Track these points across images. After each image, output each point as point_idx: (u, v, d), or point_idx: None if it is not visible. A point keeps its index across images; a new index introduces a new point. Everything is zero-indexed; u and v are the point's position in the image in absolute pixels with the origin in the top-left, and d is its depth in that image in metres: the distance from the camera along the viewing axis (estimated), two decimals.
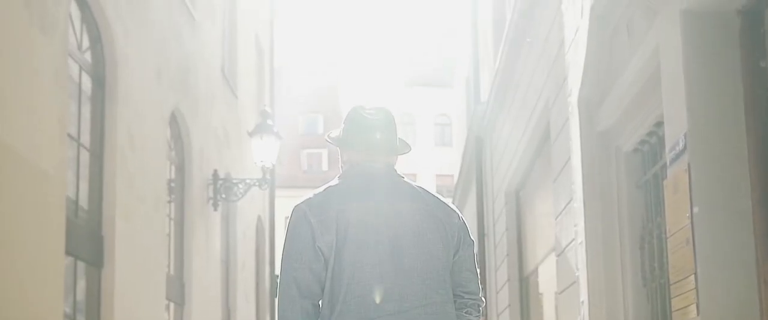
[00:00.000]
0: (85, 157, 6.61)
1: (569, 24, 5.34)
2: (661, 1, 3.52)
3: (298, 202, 2.39)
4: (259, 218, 12.99)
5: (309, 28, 57.75)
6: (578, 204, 4.80)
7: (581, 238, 4.71)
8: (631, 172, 4.45)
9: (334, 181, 2.44)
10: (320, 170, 36.49)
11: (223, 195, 9.75)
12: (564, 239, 5.73)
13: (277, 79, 16.48)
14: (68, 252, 5.81)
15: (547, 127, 6.79)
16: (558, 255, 6.01)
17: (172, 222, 8.61)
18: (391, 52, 39.84)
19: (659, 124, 4.01)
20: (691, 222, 3.09)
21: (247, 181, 9.94)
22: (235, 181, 10.07)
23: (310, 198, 2.36)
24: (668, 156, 3.36)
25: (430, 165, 35.91)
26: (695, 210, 3.08)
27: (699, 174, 3.12)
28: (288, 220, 2.34)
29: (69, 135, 6.17)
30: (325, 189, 2.38)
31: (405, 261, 2.25)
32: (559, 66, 5.99)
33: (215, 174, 9.79)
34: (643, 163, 4.36)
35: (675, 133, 3.31)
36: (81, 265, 6.39)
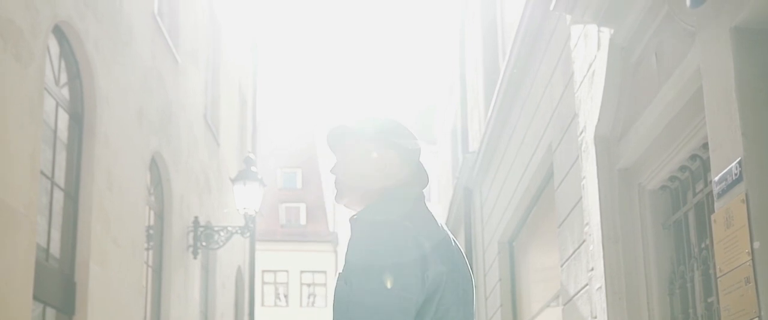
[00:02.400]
0: (58, 197, 6.18)
1: (581, 59, 5.07)
2: (703, 20, 3.24)
3: (387, 217, 1.89)
4: (239, 269, 12.52)
5: (290, 83, 57.85)
6: (595, 246, 4.45)
7: (599, 283, 4.34)
8: (657, 211, 4.12)
9: (396, 199, 1.99)
10: (298, 224, 35.99)
11: (204, 243, 9.32)
12: (572, 286, 5.38)
13: (258, 131, 16.21)
14: (37, 298, 5.35)
15: (549, 171, 6.51)
16: (565, 304, 5.65)
17: (150, 270, 8.14)
18: (371, 106, 39.81)
19: (694, 157, 3.70)
20: (753, 259, 2.74)
21: (229, 229, 9.53)
22: (216, 229, 9.65)
23: (401, 212, 1.91)
24: (716, 187, 3.04)
25: None
26: (756, 245, 2.74)
27: (759, 204, 2.79)
28: (375, 241, 1.85)
29: (42, 172, 5.76)
30: (408, 207, 1.94)
31: (469, 309, 1.94)
32: (566, 105, 5.72)
33: (196, 221, 9.37)
34: (672, 201, 4.04)
35: (724, 161, 2.99)
36: (50, 312, 5.91)
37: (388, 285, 1.79)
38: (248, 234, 10.18)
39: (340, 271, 1.92)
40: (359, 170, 2.03)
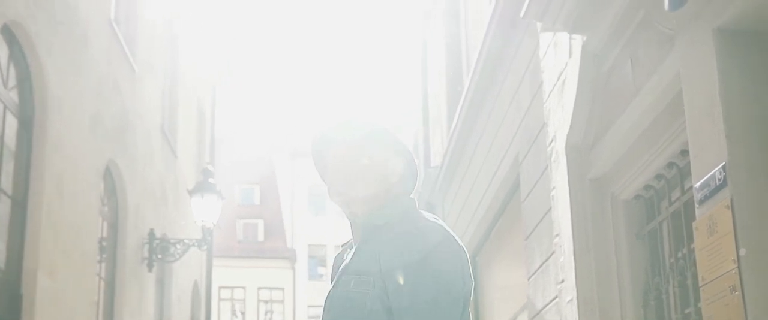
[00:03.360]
0: (5, 204, 5.90)
1: (550, 69, 4.98)
2: (683, 23, 3.15)
3: (437, 223, 1.84)
4: (195, 283, 12.21)
5: (249, 100, 57.46)
6: (566, 258, 4.33)
7: (571, 296, 4.22)
8: (630, 221, 4.02)
9: (408, 203, 1.92)
10: (256, 240, 35.55)
11: (159, 256, 9.03)
12: (540, 300, 5.26)
13: (217, 146, 15.96)
14: None
15: (515, 183, 6.40)
16: (532, 318, 5.53)
17: (102, 283, 7.85)
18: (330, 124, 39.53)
19: (671, 165, 3.60)
20: (739, 267, 2.64)
21: (186, 242, 9.26)
22: (172, 241, 9.37)
23: (439, 222, 1.85)
24: (698, 194, 2.94)
25: (342, 237, 35.38)
26: (742, 252, 2.64)
27: (744, 210, 2.69)
28: (426, 250, 1.76)
29: None
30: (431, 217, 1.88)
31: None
32: (535, 115, 5.63)
33: (151, 233, 9.08)
34: (647, 211, 3.94)
35: (707, 166, 2.89)
36: None
37: (454, 284, 1.77)
38: (206, 247, 9.91)
39: (364, 276, 1.79)
40: (380, 173, 1.91)
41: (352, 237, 1.97)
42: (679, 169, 3.55)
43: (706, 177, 2.87)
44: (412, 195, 1.97)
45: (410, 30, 14.03)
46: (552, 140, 4.83)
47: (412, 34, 13.82)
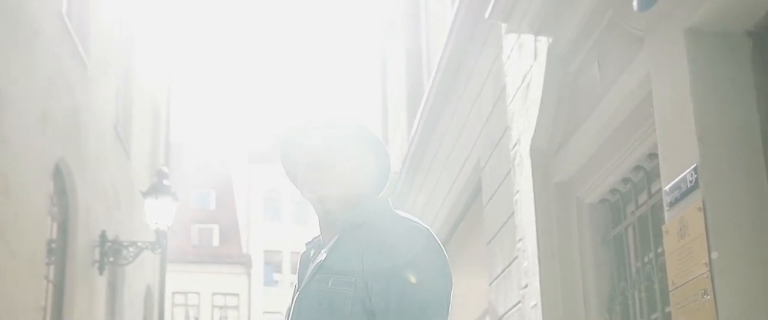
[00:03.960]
0: None
1: (514, 71, 4.93)
2: (653, 23, 3.10)
3: (420, 224, 1.76)
4: (148, 288, 11.93)
5: (205, 104, 56.85)
6: (530, 263, 4.26)
7: (535, 301, 4.15)
8: (596, 226, 3.97)
9: (385, 203, 1.85)
10: (211, 245, 35.09)
11: (111, 259, 8.79)
12: (502, 305, 5.19)
13: (172, 149, 15.69)
14: None
15: (476, 187, 6.34)
16: None
17: (51, 285, 7.58)
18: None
19: (638, 168, 3.55)
20: (710, 270, 2.58)
21: (139, 244, 9.02)
22: (125, 244, 9.12)
23: (423, 223, 1.78)
24: (668, 197, 2.88)
25: (296, 243, 35.22)
26: (714, 255, 2.58)
27: (716, 212, 2.64)
28: (419, 250, 1.68)
29: None
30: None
31: None
32: (497, 119, 5.58)
33: (103, 235, 8.83)
34: (613, 215, 3.89)
35: (677, 168, 2.84)
36: None
37: (441, 287, 1.71)
38: (160, 250, 9.67)
39: (343, 276, 1.70)
40: (356, 170, 1.82)
41: (321, 234, 1.86)
42: (646, 173, 3.50)
43: (677, 179, 2.82)
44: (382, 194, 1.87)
45: (370, 35, 13.96)
46: (516, 144, 4.77)
47: (371, 40, 13.75)
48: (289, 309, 1.84)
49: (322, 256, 1.79)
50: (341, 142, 1.82)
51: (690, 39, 2.85)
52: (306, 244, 1.92)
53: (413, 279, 1.65)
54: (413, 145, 8.69)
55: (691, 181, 2.72)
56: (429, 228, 1.76)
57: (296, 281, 1.87)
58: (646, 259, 3.50)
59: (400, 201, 10.08)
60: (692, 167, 2.73)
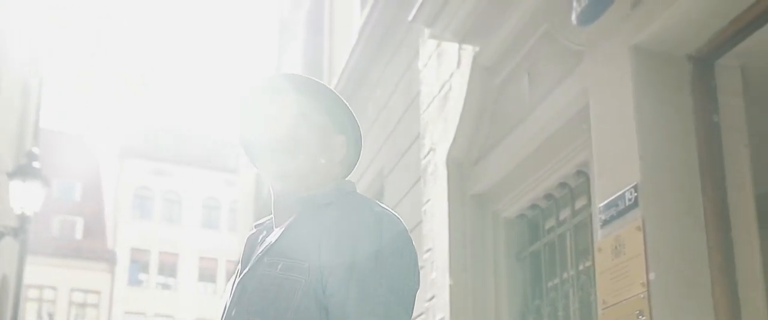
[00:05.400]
0: None
1: (431, 79, 4.84)
2: (595, 39, 3.06)
3: (390, 211, 1.52)
4: (3, 278, 11.10)
5: (77, 94, 54.42)
6: (439, 274, 4.16)
7: (442, 314, 4.05)
8: (511, 241, 3.91)
9: (351, 186, 1.62)
10: (73, 239, 33.42)
11: None
12: None
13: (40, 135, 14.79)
14: None
15: (377, 196, 6.22)
16: None
17: None
18: (160, 128, 38.10)
19: (563, 185, 3.51)
20: (648, 291, 2.53)
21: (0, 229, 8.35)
22: None
23: (393, 211, 1.53)
24: (602, 214, 2.83)
25: (195, 246, 34.23)
26: (652, 276, 2.54)
27: (655, 233, 2.60)
28: (388, 237, 1.45)
29: None
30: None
31: None
32: (407, 127, 5.48)
33: None
34: (530, 231, 3.84)
35: (614, 186, 2.79)
36: None
37: (398, 312, 1.46)
38: (24, 236, 9.00)
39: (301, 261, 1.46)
40: (323, 146, 1.59)
41: (274, 216, 1.62)
42: (570, 190, 3.47)
43: (614, 197, 2.77)
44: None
45: (264, 36, 13.68)
46: (429, 152, 4.67)
47: (265, 41, 13.47)
48: (228, 296, 1.59)
49: (273, 237, 1.55)
50: (310, 108, 1.59)
51: (635, 57, 2.83)
52: (255, 226, 1.67)
53: (379, 273, 1.42)
54: None
55: (630, 199, 2.68)
56: (399, 217, 1.54)
57: (239, 265, 1.62)
58: (564, 276, 3.46)
59: None
60: (632, 185, 2.69)
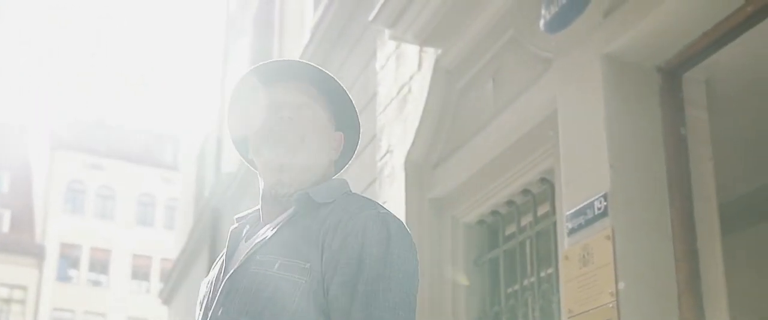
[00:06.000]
0: None
1: (390, 80, 4.79)
2: (565, 46, 3.06)
3: (397, 218, 1.44)
4: None
5: (7, 83, 52.92)
6: None
7: None
8: (471, 247, 3.87)
9: (347, 185, 1.55)
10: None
11: None
12: None
13: None
14: None
15: None
16: None
17: None
18: (95, 120, 37.25)
19: (526, 191, 3.50)
20: (617, 301, 2.52)
21: None
22: None
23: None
24: (569, 222, 2.82)
25: (129, 243, 33.50)
26: (621, 285, 2.53)
27: (625, 242, 2.59)
28: (396, 240, 1.38)
29: None
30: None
31: None
32: (362, 128, 5.42)
33: None
34: (490, 237, 3.81)
35: (582, 194, 2.78)
36: None
37: (414, 288, 1.41)
38: None
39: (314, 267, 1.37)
40: (325, 140, 1.52)
41: (262, 210, 1.53)
42: (533, 196, 3.45)
43: (582, 205, 2.76)
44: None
45: (210, 34, 13.47)
46: (385, 154, 4.62)
47: (211, 39, 13.27)
48: (210, 295, 1.46)
49: (266, 233, 1.45)
50: (318, 104, 1.51)
51: (606, 66, 2.83)
52: (236, 219, 1.58)
53: (387, 278, 1.35)
54: None
55: (599, 208, 2.67)
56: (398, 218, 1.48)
57: (220, 261, 1.51)
58: (525, 283, 3.44)
59: (231, 204, 9.67)
60: (601, 194, 2.69)
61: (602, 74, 2.81)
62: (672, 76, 2.87)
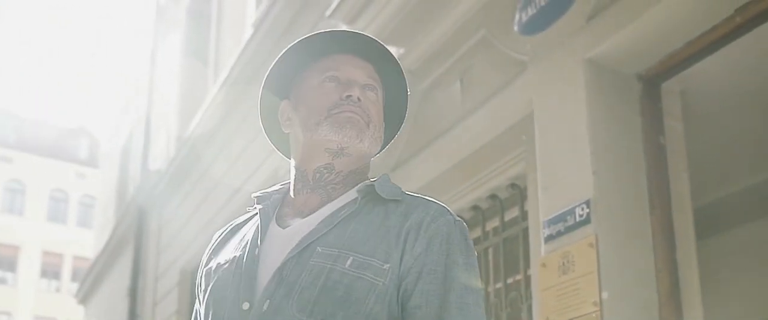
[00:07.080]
0: None
1: None
2: (543, 50, 2.99)
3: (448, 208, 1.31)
4: None
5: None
6: None
7: None
8: None
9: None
10: None
11: None
12: None
13: None
14: None
15: None
16: None
17: None
18: (2, 111, 35.81)
19: (493, 196, 3.41)
20: (601, 310, 2.45)
21: None
22: None
23: None
24: (547, 229, 2.75)
25: (39, 240, 32.22)
26: (604, 295, 2.46)
27: (608, 250, 2.53)
28: (473, 251, 1.27)
29: None
30: None
31: None
32: None
33: None
34: None
35: (563, 201, 2.71)
36: None
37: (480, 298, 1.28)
38: None
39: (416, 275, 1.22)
40: (381, 127, 1.38)
41: (295, 193, 1.33)
42: (501, 202, 3.38)
43: (561, 211, 2.69)
44: None
45: (138, 27, 13.06)
46: None
47: (139, 32, 12.86)
48: (234, 282, 1.24)
49: (322, 224, 1.25)
50: (381, 90, 1.36)
51: (589, 71, 2.77)
52: (257, 198, 1.37)
53: (471, 286, 1.22)
54: (188, 147, 8.09)
55: (581, 215, 2.61)
56: None
57: (247, 242, 1.29)
58: (489, 290, 3.36)
59: (158, 201, 9.35)
60: (584, 201, 2.62)
61: (585, 79, 2.75)
62: (651, 84, 2.84)
